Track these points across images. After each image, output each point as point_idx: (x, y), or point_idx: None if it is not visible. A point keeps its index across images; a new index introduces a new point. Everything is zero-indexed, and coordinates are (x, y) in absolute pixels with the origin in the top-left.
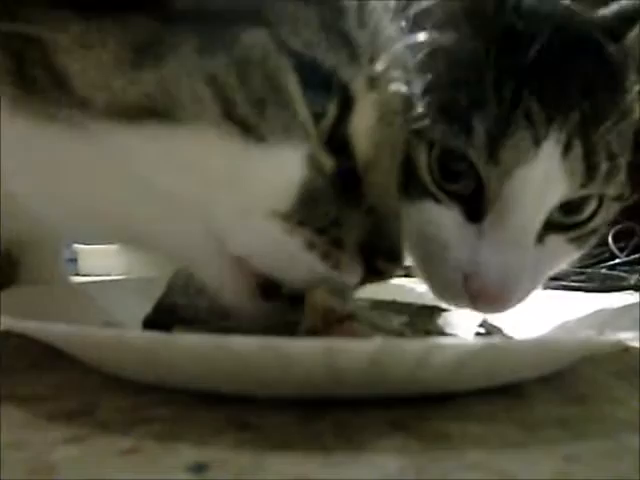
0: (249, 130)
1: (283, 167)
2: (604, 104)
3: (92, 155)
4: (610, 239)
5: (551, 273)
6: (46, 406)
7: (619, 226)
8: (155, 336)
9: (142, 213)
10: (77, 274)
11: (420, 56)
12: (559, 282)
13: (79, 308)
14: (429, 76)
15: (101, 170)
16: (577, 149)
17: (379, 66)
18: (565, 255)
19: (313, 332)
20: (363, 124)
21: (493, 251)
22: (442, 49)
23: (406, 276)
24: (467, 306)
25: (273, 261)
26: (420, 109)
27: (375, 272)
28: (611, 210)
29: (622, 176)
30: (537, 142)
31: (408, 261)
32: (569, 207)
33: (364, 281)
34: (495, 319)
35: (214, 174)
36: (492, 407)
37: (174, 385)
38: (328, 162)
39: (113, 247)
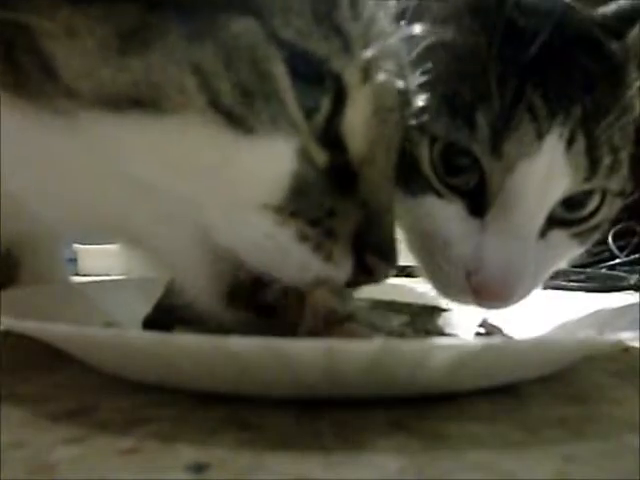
0: (236, 121)
1: (272, 159)
2: (606, 99)
3: (78, 146)
4: (610, 239)
5: (554, 269)
6: (46, 406)
7: (619, 226)
8: (155, 336)
9: (127, 208)
10: (77, 274)
11: (417, 50)
12: (559, 282)
13: (79, 308)
14: (429, 70)
15: (87, 161)
16: (580, 143)
17: (372, 57)
18: (568, 251)
19: (313, 333)
20: (357, 119)
21: (496, 246)
22: (443, 44)
23: (406, 276)
24: (470, 302)
25: (263, 255)
26: (419, 104)
27: (365, 269)
28: (613, 206)
29: (624, 171)
30: (540, 136)
31: (409, 261)
32: (572, 202)
33: (355, 281)
34: (495, 319)
35: (201, 166)
36: (492, 407)
37: (174, 385)
38: (321, 156)
39: (113, 247)
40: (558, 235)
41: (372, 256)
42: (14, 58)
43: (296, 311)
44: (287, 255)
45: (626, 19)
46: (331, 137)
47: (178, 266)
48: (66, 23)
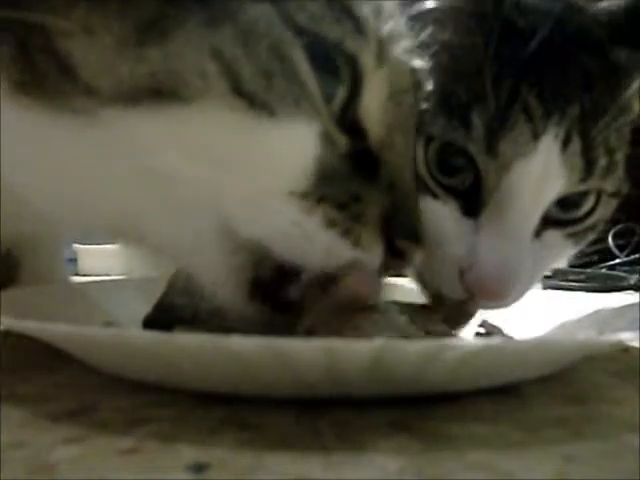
0: (259, 105)
1: (297, 143)
2: (603, 99)
3: (97, 144)
4: (610, 239)
5: (548, 269)
6: (46, 406)
7: (619, 226)
8: (155, 336)
9: (143, 204)
10: (77, 274)
11: (427, 30)
12: (559, 282)
13: (79, 308)
14: (429, 63)
15: (105, 159)
16: (576, 144)
17: (385, 38)
18: (562, 251)
19: (312, 332)
20: (374, 102)
21: (490, 245)
22: (440, 43)
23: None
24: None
25: (290, 243)
26: (429, 87)
27: (396, 253)
28: (609, 207)
29: (620, 172)
30: (536, 136)
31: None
32: (567, 203)
33: (387, 264)
34: (495, 319)
35: (224, 153)
36: (492, 407)
37: (174, 385)
38: (341, 139)
39: (113, 247)
40: (553, 235)
41: (402, 240)
42: (29, 58)
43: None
44: (315, 242)
45: (636, 18)
46: (349, 123)
47: (197, 260)
48: (82, 21)
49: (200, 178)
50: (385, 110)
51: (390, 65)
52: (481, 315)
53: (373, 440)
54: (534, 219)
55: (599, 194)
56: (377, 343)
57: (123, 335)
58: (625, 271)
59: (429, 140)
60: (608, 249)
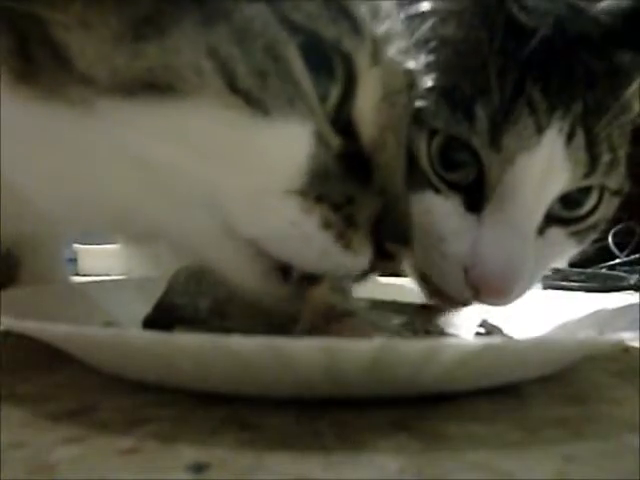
0: (253, 103)
1: (291, 141)
2: (605, 97)
3: (95, 134)
4: (610, 239)
5: (551, 266)
6: (46, 406)
7: (619, 226)
8: (155, 336)
9: (149, 197)
10: (77, 274)
11: (423, 29)
12: (559, 282)
13: (79, 308)
14: (431, 58)
15: (106, 150)
16: (580, 138)
17: (380, 39)
18: (565, 249)
19: (312, 329)
20: (368, 103)
21: (494, 241)
22: (443, 39)
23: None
24: (468, 299)
25: (286, 243)
26: (424, 85)
27: (385, 255)
28: (611, 205)
29: (622, 169)
30: (540, 130)
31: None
32: (570, 200)
33: (374, 266)
34: (495, 319)
35: (219, 150)
36: (492, 407)
37: (174, 385)
38: (335, 141)
39: (113, 247)
40: (556, 233)
41: (391, 242)
42: (28, 50)
43: None
44: (310, 243)
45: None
46: (342, 123)
47: (215, 254)
48: (79, 15)
49: (197, 173)
50: (379, 111)
51: (384, 66)
52: (481, 315)
53: (373, 440)
54: (538, 214)
55: (602, 192)
56: (377, 343)
57: (123, 335)
58: (625, 271)
59: (432, 134)
60: (608, 249)
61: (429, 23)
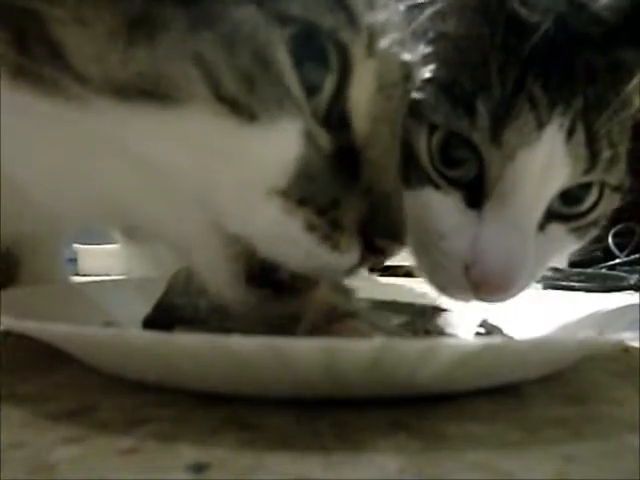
0: (240, 109)
1: (277, 144)
2: (606, 93)
3: (91, 131)
4: (610, 239)
5: (551, 263)
6: (46, 406)
7: (619, 226)
8: (155, 336)
9: (139, 193)
10: (77, 274)
11: (420, 20)
12: (559, 282)
13: (79, 308)
14: (430, 52)
15: (102, 146)
16: (580, 134)
17: (376, 30)
18: (566, 245)
19: (314, 329)
20: (362, 96)
21: (494, 236)
22: (444, 35)
23: (406, 276)
24: (469, 297)
25: (273, 243)
26: (420, 78)
27: (375, 250)
28: (611, 202)
29: (622, 165)
30: (540, 125)
31: (409, 261)
32: (570, 197)
33: (364, 260)
34: (495, 319)
35: (209, 154)
36: (492, 407)
37: (174, 385)
38: (325, 139)
39: (113, 247)
40: (556, 229)
41: (382, 239)
42: (26, 46)
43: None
44: (295, 244)
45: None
46: (336, 116)
47: (194, 252)
48: (74, 11)
49: (188, 173)
50: (373, 103)
51: (380, 57)
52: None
53: (373, 440)
54: (538, 211)
55: (602, 188)
56: (377, 343)
57: (123, 335)
58: (625, 271)
59: (432, 130)
60: (608, 249)
61: (427, 13)
